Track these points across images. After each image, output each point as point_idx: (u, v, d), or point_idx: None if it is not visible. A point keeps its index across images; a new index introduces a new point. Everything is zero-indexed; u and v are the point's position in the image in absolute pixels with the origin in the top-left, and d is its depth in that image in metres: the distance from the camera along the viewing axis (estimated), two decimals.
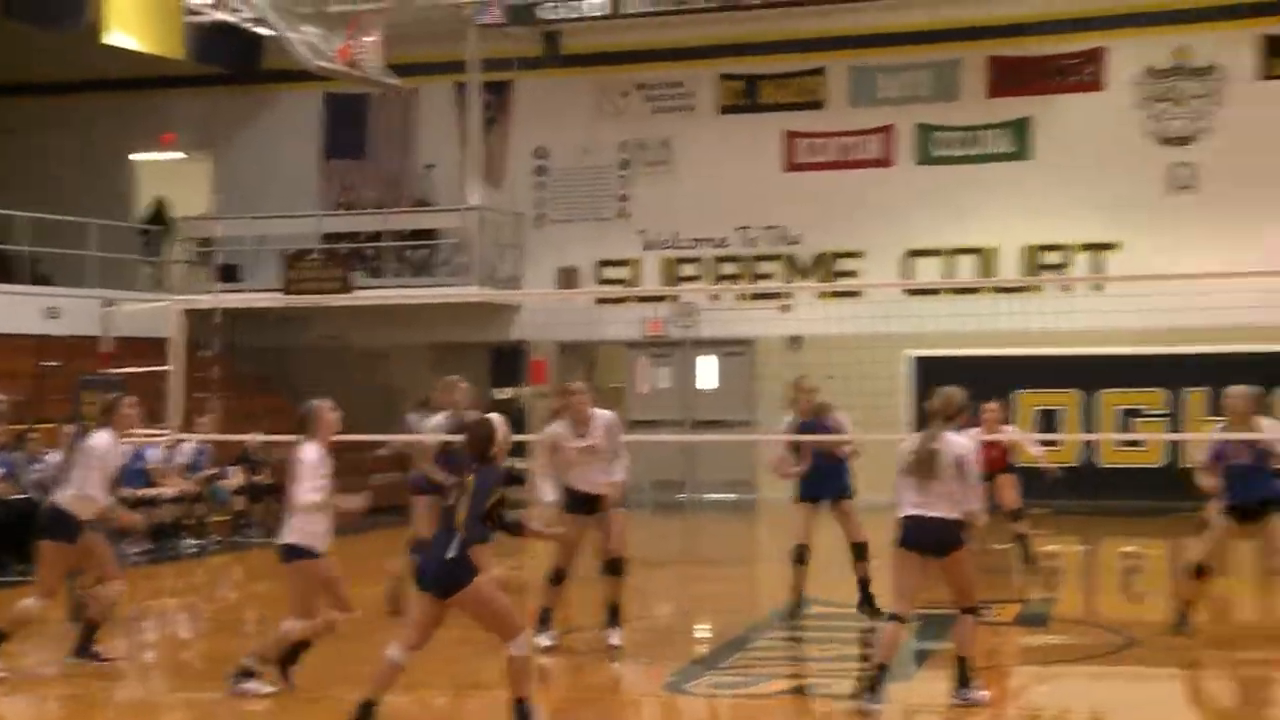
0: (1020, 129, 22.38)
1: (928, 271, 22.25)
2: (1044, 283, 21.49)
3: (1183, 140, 21.72)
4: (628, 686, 10.11)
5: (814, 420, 12.00)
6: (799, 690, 9.76)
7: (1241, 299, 15.20)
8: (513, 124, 24.28)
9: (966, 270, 22.19)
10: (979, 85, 22.57)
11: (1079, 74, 22.20)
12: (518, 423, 25.16)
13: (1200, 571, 10.77)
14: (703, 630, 12.67)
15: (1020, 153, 22.35)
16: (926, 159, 22.76)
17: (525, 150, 24.26)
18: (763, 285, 22.83)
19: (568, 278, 23.70)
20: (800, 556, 11.93)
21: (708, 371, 23.55)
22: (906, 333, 19.64)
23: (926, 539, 8.61)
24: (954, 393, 8.96)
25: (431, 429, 11.65)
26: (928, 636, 10.49)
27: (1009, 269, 21.88)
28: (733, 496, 22.91)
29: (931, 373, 20.74)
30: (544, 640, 10.42)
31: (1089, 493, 19.78)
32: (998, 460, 13.93)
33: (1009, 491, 14.18)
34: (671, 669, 10.12)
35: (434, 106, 24.37)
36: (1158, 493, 19.58)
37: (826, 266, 22.93)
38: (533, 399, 23.71)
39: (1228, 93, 21.50)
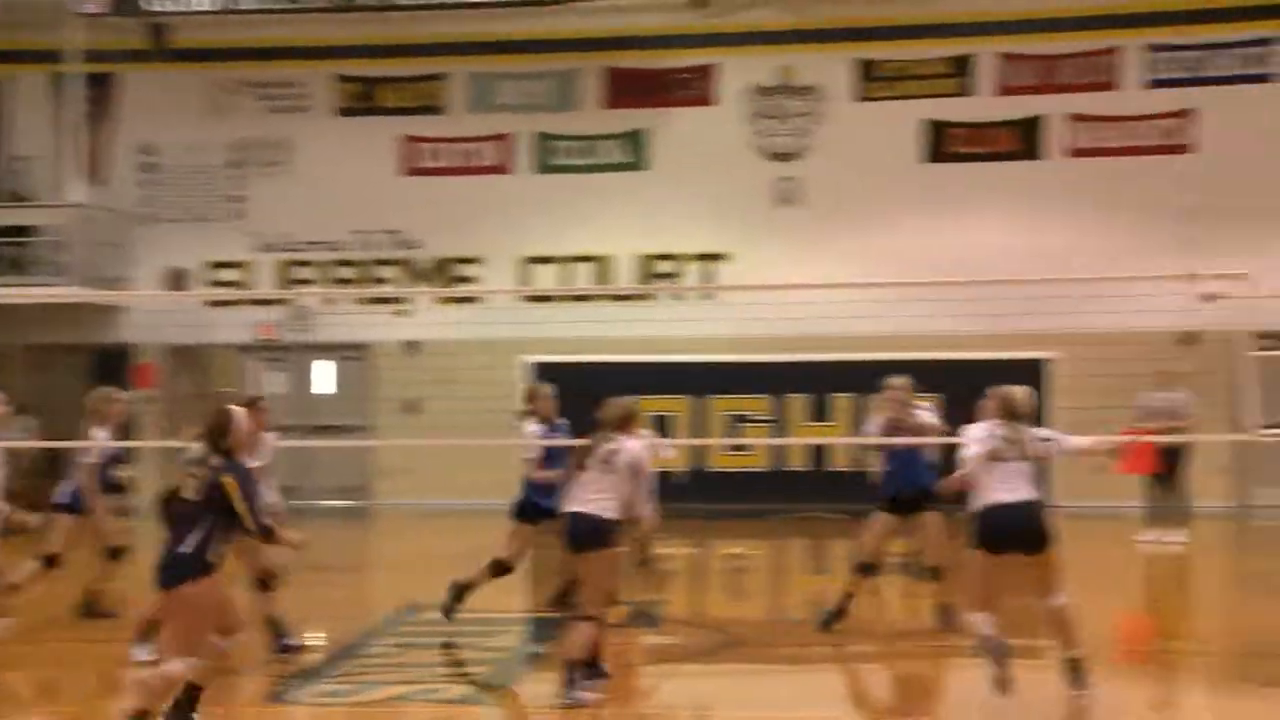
0: (636, 140, 22.86)
1: (545, 278, 22.45)
2: (657, 291, 22.02)
3: (788, 156, 22.62)
4: (233, 698, 9.77)
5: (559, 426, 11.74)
6: (405, 697, 9.63)
7: (843, 309, 15.91)
8: (118, 119, 23.27)
9: (583, 277, 22.49)
10: (597, 96, 22.95)
11: (692, 88, 22.84)
12: (124, 428, 24.24)
13: (865, 569, 11.11)
14: (315, 639, 12.39)
15: (636, 163, 22.82)
16: (545, 167, 22.98)
17: (132, 146, 23.29)
18: (380, 290, 22.58)
19: (176, 279, 22.86)
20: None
21: (324, 376, 23.14)
22: (524, 338, 19.81)
23: (575, 533, 9.02)
24: (627, 402, 9.41)
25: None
26: (540, 639, 10.56)
27: (625, 277, 22.29)
28: (347, 503, 22.56)
29: (549, 378, 20.96)
30: (142, 654, 9.99)
31: (699, 496, 20.34)
32: None
33: None
34: (280, 679, 9.90)
35: (30, 97, 23.12)
36: (763, 496, 20.32)
37: (445, 272, 22.86)
38: (140, 404, 22.76)
39: (828, 112, 22.51)
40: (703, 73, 22.80)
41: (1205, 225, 19.11)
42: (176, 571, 7.69)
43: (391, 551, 19.64)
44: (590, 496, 9.04)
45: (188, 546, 7.67)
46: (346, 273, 23.04)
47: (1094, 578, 13.75)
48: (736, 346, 19.30)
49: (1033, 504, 8.91)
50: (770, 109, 22.70)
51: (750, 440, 18.02)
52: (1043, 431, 9.45)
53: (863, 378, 19.99)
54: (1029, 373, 20.48)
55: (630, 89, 22.87)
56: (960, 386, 20.12)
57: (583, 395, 10.58)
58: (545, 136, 22.97)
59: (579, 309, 20.24)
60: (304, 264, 23.05)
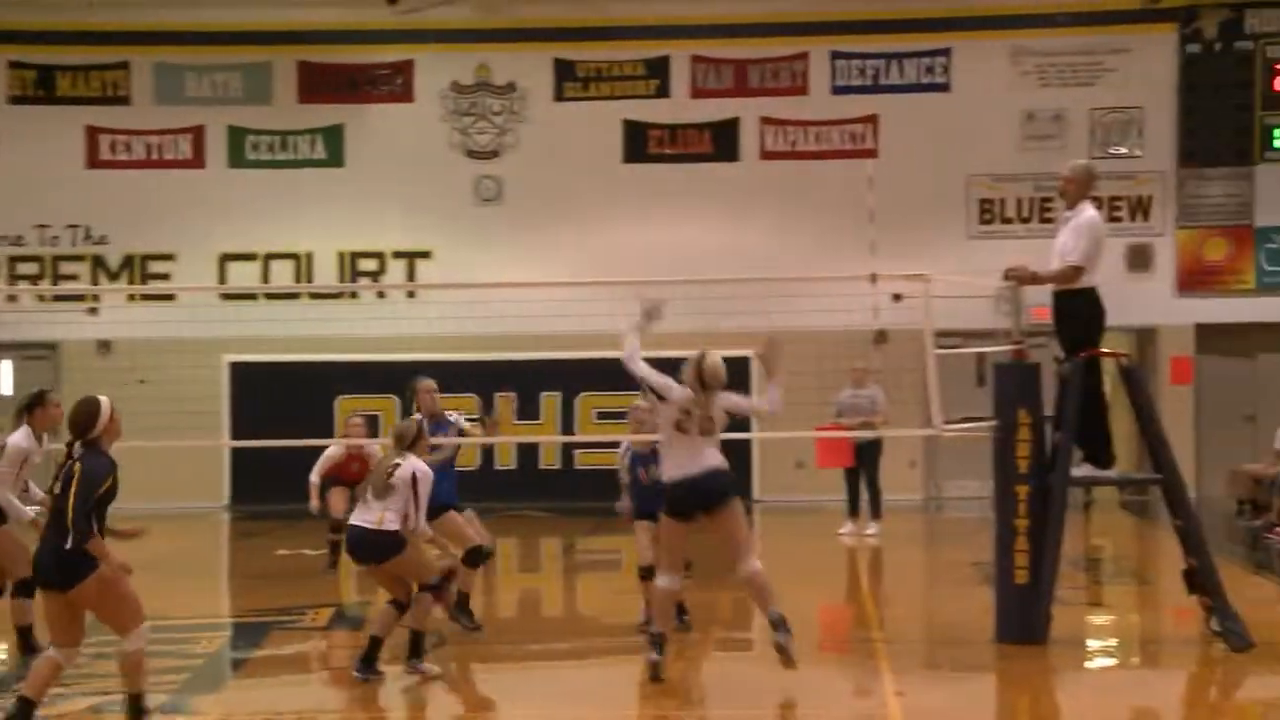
0: (333, 136, 22.56)
1: (244, 276, 21.98)
2: (360, 289, 21.81)
3: (488, 154, 22.68)
4: None
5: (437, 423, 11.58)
6: (101, 708, 9.29)
7: (548, 308, 16.07)
8: None
9: (284, 275, 22.11)
10: (291, 90, 22.56)
11: (389, 84, 22.68)
12: None
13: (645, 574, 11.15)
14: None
15: (334, 160, 22.54)
16: (240, 162, 22.48)
17: None
18: (66, 287, 21.71)
19: None
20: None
21: (4, 377, 22.11)
22: (224, 337, 19.35)
23: (365, 552, 9.79)
24: (410, 424, 10.21)
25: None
26: (243, 645, 10.40)
27: (326, 275, 22.00)
28: (35, 509, 21.57)
29: (251, 378, 20.58)
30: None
31: None
32: (360, 472, 14.04)
33: (340, 501, 14.39)
34: None
35: None
36: (471, 494, 20.26)
37: (137, 268, 22.13)
38: None
39: (529, 111, 22.67)
40: (400, 69, 22.68)
41: (888, 228, 20.00)
42: (73, 567, 7.70)
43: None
44: (373, 511, 9.73)
45: (69, 543, 7.66)
46: (29, 268, 22.07)
47: (795, 570, 14.30)
48: (443, 344, 19.26)
49: (712, 473, 9.52)
50: (469, 107, 22.73)
51: (463, 440, 18.09)
52: (736, 397, 9.96)
53: (573, 376, 20.44)
54: (734, 370, 21.18)
55: (325, 84, 22.57)
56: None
57: (288, 394, 10.51)
58: (239, 131, 22.47)
59: (280, 307, 19.85)
60: None
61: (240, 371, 20.69)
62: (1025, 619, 10.49)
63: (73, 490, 7.66)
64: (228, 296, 21.09)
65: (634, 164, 22.42)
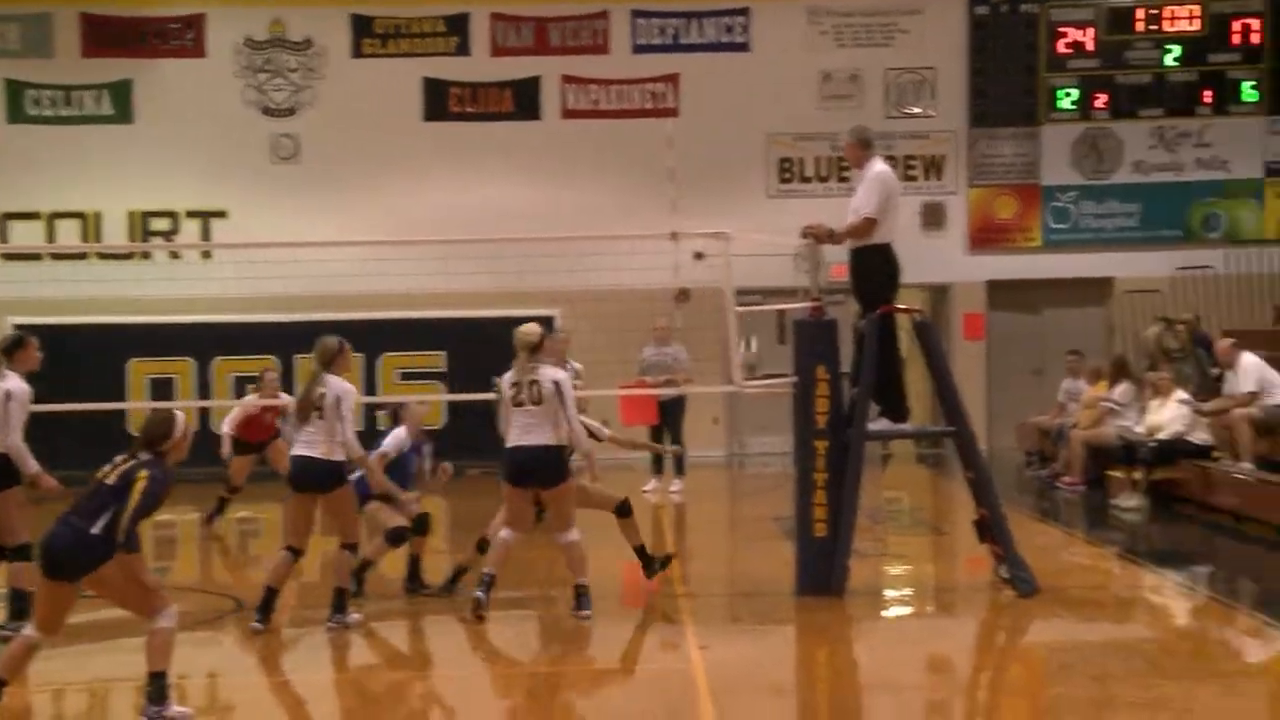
0: (121, 91, 21.94)
1: (28, 236, 21.28)
2: (152, 249, 21.27)
3: (285, 112, 22.26)
4: None
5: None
6: None
7: (351, 267, 15.91)
8: None
9: (69, 235, 21.46)
10: (73, 43, 21.85)
11: (180, 39, 22.11)
12: None
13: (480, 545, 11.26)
14: None
15: (122, 116, 21.90)
16: (20, 117, 21.73)
17: None
18: None
19: None
20: None
21: None
22: (8, 299, 18.66)
23: (309, 479, 10.12)
24: (329, 341, 10.57)
25: None
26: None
27: (116, 235, 21.43)
28: None
29: (43, 340, 19.88)
30: None
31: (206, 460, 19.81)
32: (271, 426, 14.98)
33: (242, 471, 15.21)
34: None
35: None
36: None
37: None
38: None
39: (326, 68, 22.31)
40: (190, 23, 22.11)
41: (690, 186, 20.18)
42: (95, 554, 7.64)
43: None
44: (313, 440, 10.13)
45: (97, 528, 7.64)
46: None
47: (599, 527, 14.40)
48: (239, 305, 18.91)
49: (543, 448, 10.30)
50: (264, 63, 22.29)
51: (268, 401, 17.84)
52: (557, 374, 10.41)
53: (375, 336, 20.21)
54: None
55: (111, 38, 21.93)
56: (470, 343, 20.87)
57: (74, 358, 10.35)
58: (18, 85, 21.72)
59: (66, 268, 19.20)
60: None
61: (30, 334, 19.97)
62: (824, 571, 10.74)
63: (134, 499, 7.61)
64: (10, 257, 20.38)
65: (435, 122, 22.23)
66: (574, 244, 15.61)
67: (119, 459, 7.89)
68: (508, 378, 10.49)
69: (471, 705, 8.60)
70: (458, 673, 9.38)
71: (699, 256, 16.05)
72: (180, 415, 8.12)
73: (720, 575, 12.64)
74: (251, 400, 15.32)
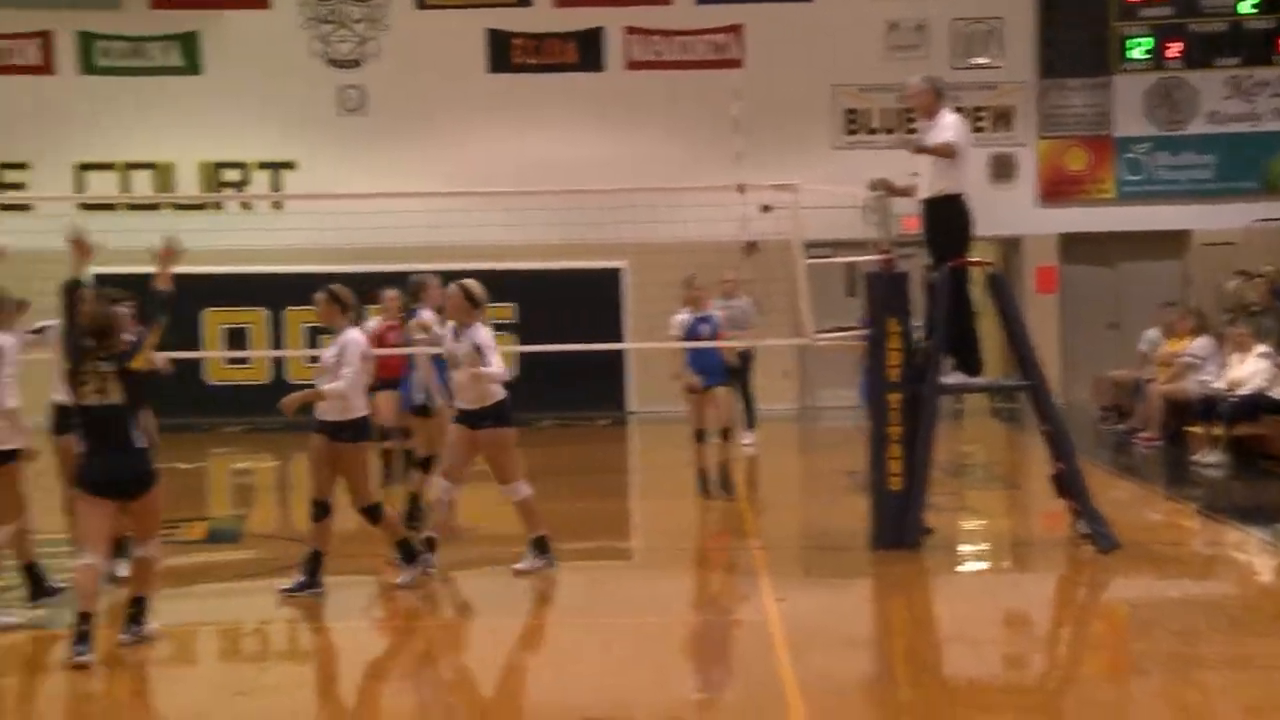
0: (189, 43, 21.99)
1: (102, 186, 21.42)
2: (224, 199, 21.38)
3: (350, 63, 22.25)
4: None
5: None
6: None
7: (418, 219, 15.88)
8: None
9: (144, 186, 21.59)
10: None
11: None
12: None
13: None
14: None
15: (191, 67, 21.96)
16: (92, 69, 21.81)
17: None
18: None
19: None
20: None
21: None
22: None
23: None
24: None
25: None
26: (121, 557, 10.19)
27: (188, 185, 21.53)
28: None
29: (123, 289, 20.01)
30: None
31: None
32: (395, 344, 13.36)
33: (389, 408, 13.60)
34: None
35: None
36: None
37: None
38: None
39: (389, 19, 22.26)
40: None
41: (755, 138, 20.04)
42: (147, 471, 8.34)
43: None
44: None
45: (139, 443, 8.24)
46: None
47: (673, 482, 14.44)
48: (309, 257, 18.96)
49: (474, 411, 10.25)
50: (329, 14, 22.26)
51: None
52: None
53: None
54: (605, 283, 21.23)
55: None
56: (539, 295, 20.87)
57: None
58: (89, 36, 21.80)
59: (142, 219, 19.32)
60: None
61: (102, 284, 20.11)
62: (899, 526, 10.69)
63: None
64: (87, 207, 20.49)
65: (498, 74, 22.16)
66: (640, 196, 15.61)
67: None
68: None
69: (552, 655, 8.61)
70: (528, 624, 9.39)
71: (766, 209, 15.94)
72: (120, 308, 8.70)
73: (794, 529, 12.58)
74: (375, 324, 14.30)
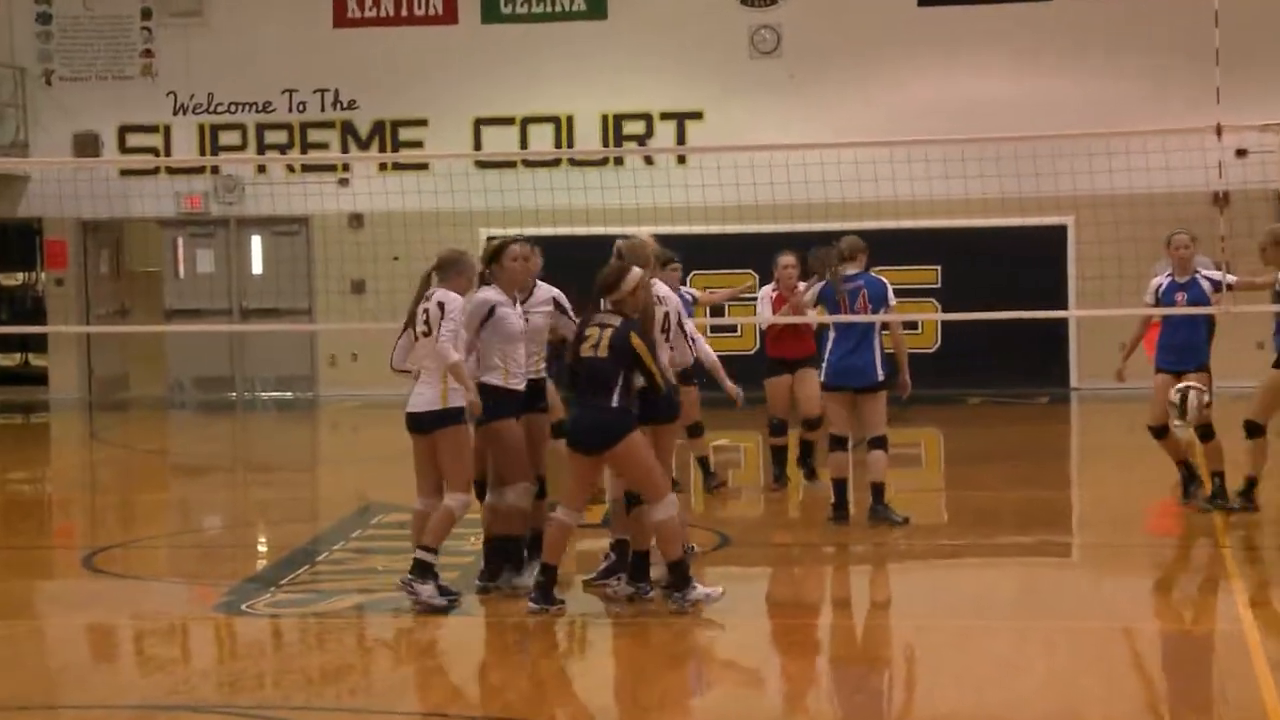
0: None
1: (499, 141, 21.91)
2: (626, 154, 21.48)
3: (765, 2, 22.00)
4: (172, 609, 9.58)
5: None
6: (365, 606, 9.26)
7: (834, 172, 15.50)
8: None
9: (542, 141, 21.97)
10: None
11: None
12: (33, 313, 23.66)
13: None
14: (261, 544, 12.12)
15: (596, 11, 22.16)
16: (494, 17, 22.29)
17: None
18: (316, 156, 21.95)
19: (85, 144, 22.14)
20: None
21: (255, 253, 22.63)
22: (479, 209, 19.24)
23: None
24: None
25: None
26: None
27: (586, 138, 21.77)
28: (289, 395, 22.18)
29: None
30: None
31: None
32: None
33: (783, 398, 13.19)
34: (226, 588, 9.72)
35: None
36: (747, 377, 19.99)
37: (387, 135, 22.27)
38: (49, 284, 22.47)
39: None
40: None
41: (1234, 71, 18.67)
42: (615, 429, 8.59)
43: (341, 447, 19.32)
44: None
45: (616, 401, 8.58)
46: (277, 136, 22.41)
47: (1121, 464, 13.61)
48: (715, 215, 18.83)
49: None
50: None
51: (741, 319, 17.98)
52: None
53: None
54: (1047, 241, 20.35)
55: None
56: (969, 256, 20.20)
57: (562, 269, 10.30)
58: None
59: (539, 175, 19.67)
60: (228, 127, 22.41)
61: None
62: None
63: (647, 358, 8.57)
64: (483, 164, 21.04)
65: (929, 7, 21.47)
66: (1089, 142, 14.79)
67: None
68: None
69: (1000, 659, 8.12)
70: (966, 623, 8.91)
71: (1242, 154, 14.92)
72: (636, 270, 8.72)
73: (1271, 524, 11.57)
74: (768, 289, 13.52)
